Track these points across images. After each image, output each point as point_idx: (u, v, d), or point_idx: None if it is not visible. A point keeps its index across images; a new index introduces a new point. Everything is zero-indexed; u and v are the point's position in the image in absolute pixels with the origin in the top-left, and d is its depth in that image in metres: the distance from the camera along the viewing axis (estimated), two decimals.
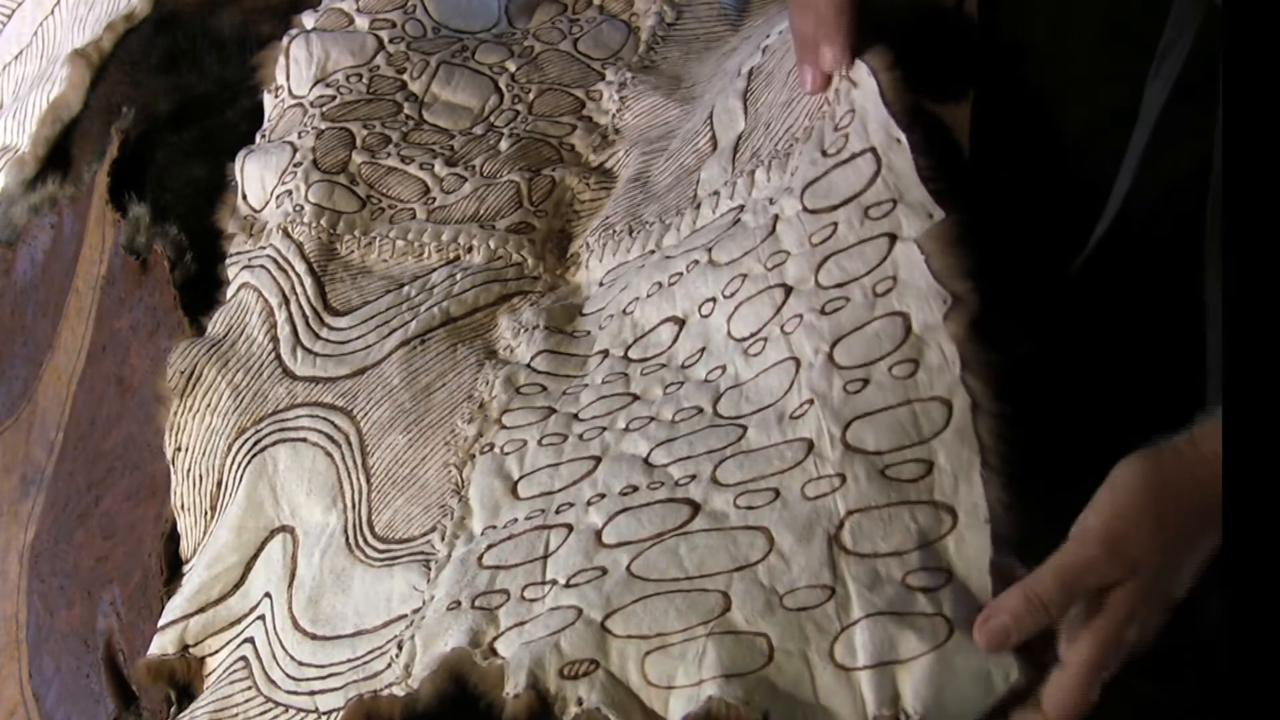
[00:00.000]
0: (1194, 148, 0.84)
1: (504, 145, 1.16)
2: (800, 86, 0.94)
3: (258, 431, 1.01)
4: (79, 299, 1.23)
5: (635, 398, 0.91)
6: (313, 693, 0.90)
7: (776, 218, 0.90)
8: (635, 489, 0.84)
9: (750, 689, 0.73)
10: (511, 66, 1.23)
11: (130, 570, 1.05)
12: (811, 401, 0.82)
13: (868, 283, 0.84)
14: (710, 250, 0.93)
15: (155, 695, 0.98)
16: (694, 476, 0.83)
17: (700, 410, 0.87)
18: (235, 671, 0.94)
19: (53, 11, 1.49)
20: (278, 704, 0.91)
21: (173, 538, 1.04)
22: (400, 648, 0.86)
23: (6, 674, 1.13)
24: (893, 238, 0.84)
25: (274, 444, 1.00)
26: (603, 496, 0.85)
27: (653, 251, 1.00)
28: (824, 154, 0.89)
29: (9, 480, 1.24)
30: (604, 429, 0.90)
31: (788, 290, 0.87)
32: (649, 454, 0.86)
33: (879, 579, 0.75)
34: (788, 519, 0.79)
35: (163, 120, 1.28)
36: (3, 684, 1.13)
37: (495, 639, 0.81)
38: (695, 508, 0.81)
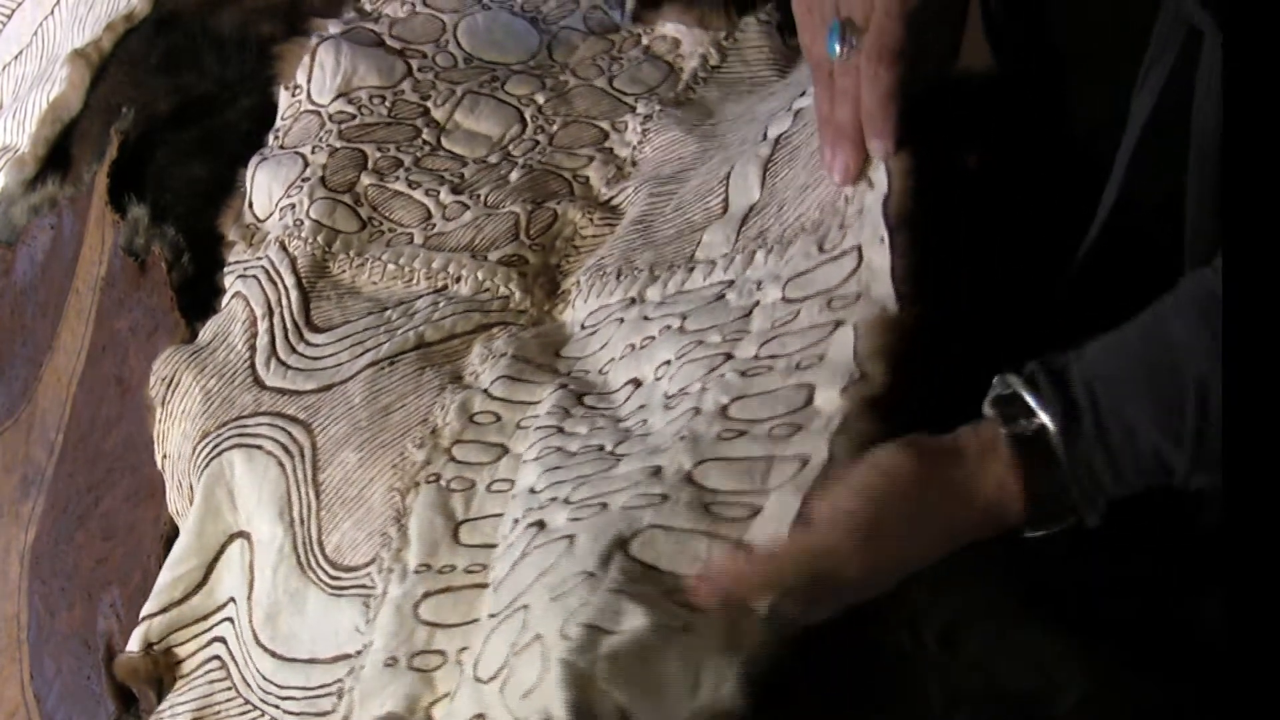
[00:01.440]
0: (1178, 162, 0.82)
1: (514, 176, 1.14)
2: (825, 172, 0.91)
3: (218, 435, 1.01)
4: (79, 300, 1.23)
5: (559, 430, 0.89)
6: (277, 708, 0.91)
7: (757, 303, 0.88)
8: (516, 523, 0.83)
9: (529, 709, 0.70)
10: (540, 99, 1.21)
11: (130, 571, 1.06)
12: (682, 438, 0.80)
13: (796, 359, 0.82)
14: (685, 318, 0.91)
15: (151, 696, 0.98)
16: (554, 499, 0.82)
17: (600, 448, 0.85)
18: (212, 671, 0.95)
19: (53, 11, 1.49)
20: (255, 707, 0.92)
21: (172, 540, 1.04)
22: (340, 697, 0.86)
23: (8, 675, 1.14)
24: (839, 324, 0.82)
25: (231, 448, 1.00)
26: (504, 540, 0.84)
27: (634, 300, 0.98)
28: (820, 249, 0.88)
29: (9, 481, 1.24)
30: (525, 461, 0.89)
31: (729, 358, 0.85)
32: (535, 482, 0.85)
33: (639, 580, 0.72)
34: (595, 525, 0.76)
35: (163, 120, 1.28)
36: (4, 685, 1.13)
37: (432, 705, 0.81)
38: (541, 527, 0.80)
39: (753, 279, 0.91)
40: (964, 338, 0.88)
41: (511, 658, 0.74)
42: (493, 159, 1.17)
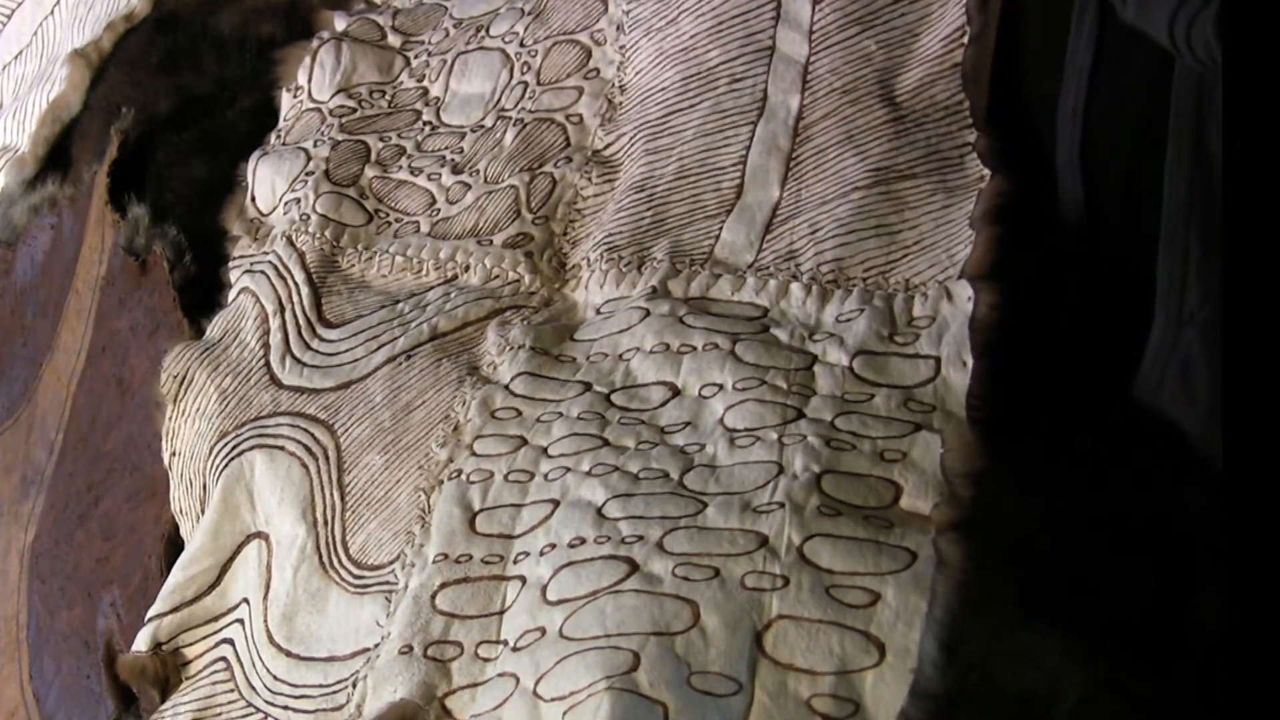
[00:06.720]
0: None
1: (509, 138, 1.15)
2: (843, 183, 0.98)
3: (237, 436, 1.01)
4: (79, 300, 1.23)
5: (605, 442, 0.91)
6: (287, 708, 0.91)
7: (816, 358, 0.92)
8: (583, 541, 0.84)
9: None
10: (520, 29, 1.21)
11: (130, 571, 1.06)
12: (782, 505, 0.82)
13: (880, 445, 0.86)
14: (735, 344, 0.94)
15: (153, 696, 0.98)
16: (641, 538, 0.83)
17: (666, 475, 0.87)
18: (217, 672, 0.96)
19: (53, 11, 1.50)
20: (258, 709, 0.92)
21: (173, 540, 1.04)
22: (355, 686, 0.86)
23: (7, 674, 1.14)
24: (919, 427, 0.86)
25: (251, 449, 1.00)
26: (553, 547, 0.85)
27: (655, 289, 1.00)
28: (891, 338, 0.91)
29: (9, 481, 1.24)
30: (568, 469, 0.89)
31: (800, 414, 0.88)
32: (604, 504, 0.86)
33: (784, 692, 0.76)
34: (719, 601, 0.79)
35: (163, 120, 1.28)
36: (3, 684, 1.14)
37: (447, 695, 0.82)
38: (634, 568, 0.82)
39: (796, 318, 0.95)
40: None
41: (601, 693, 0.75)
42: (488, 121, 1.17)
